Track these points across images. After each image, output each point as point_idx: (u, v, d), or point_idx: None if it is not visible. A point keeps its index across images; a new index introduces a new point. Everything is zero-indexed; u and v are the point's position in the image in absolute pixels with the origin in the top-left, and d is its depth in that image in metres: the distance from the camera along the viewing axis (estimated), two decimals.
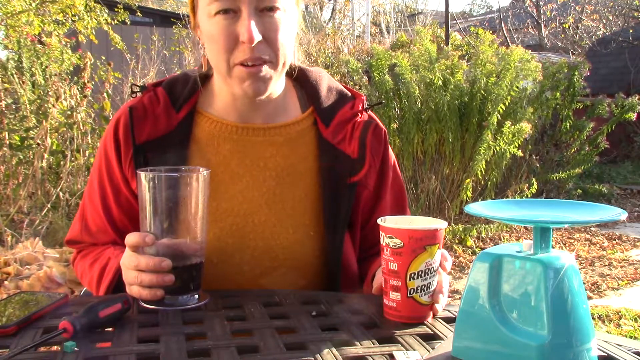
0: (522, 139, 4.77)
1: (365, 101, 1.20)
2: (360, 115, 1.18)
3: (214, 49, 1.06)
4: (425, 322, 0.93)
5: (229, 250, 1.10)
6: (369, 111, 1.21)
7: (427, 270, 0.91)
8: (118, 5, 7.12)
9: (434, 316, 0.95)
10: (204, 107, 1.18)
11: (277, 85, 1.14)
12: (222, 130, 1.15)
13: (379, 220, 0.94)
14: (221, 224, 1.10)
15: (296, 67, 1.20)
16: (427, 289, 0.93)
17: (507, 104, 4.90)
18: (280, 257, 1.11)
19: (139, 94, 1.17)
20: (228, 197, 1.12)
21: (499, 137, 4.73)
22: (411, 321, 0.92)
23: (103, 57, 5.98)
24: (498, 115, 4.79)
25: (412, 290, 0.91)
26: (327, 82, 1.23)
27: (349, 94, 1.22)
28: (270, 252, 1.11)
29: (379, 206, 1.20)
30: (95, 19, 6.26)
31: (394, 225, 0.92)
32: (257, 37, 1.01)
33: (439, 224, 0.92)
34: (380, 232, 0.93)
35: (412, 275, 0.91)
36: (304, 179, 1.15)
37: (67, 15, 6.12)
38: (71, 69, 4.98)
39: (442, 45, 6.59)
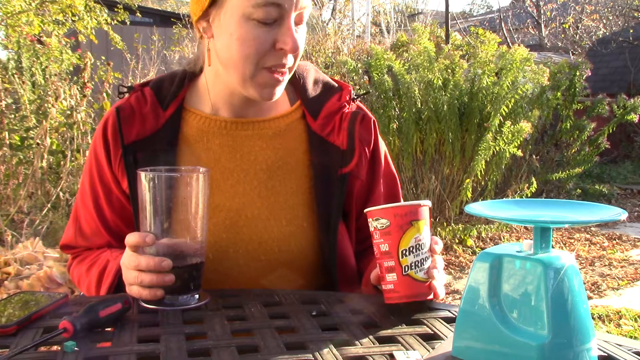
0: (521, 139, 4.76)
1: (352, 92, 1.21)
2: (347, 106, 1.19)
3: (241, 51, 1.04)
4: (425, 321, 0.93)
5: (223, 245, 1.11)
6: (357, 101, 1.22)
7: (417, 246, 0.94)
8: (118, 5, 7.12)
9: (436, 298, 0.96)
10: (191, 103, 1.19)
11: None
12: (211, 125, 1.16)
13: (364, 210, 0.97)
14: (214, 219, 1.11)
15: None
16: (421, 265, 0.94)
17: (510, 105, 4.89)
18: (275, 250, 1.11)
19: (126, 95, 1.18)
20: (220, 192, 1.13)
21: (498, 138, 4.72)
22: (412, 300, 0.94)
23: (103, 57, 5.98)
24: (500, 117, 4.78)
25: (406, 268, 0.93)
26: (313, 75, 1.23)
27: (336, 85, 1.22)
28: (264, 245, 1.11)
29: (373, 196, 1.21)
30: (95, 19, 6.26)
31: (377, 208, 0.95)
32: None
33: (421, 202, 0.96)
34: (368, 218, 0.96)
35: (404, 252, 0.93)
36: (295, 171, 1.15)
37: (67, 15, 6.12)
38: (71, 69, 4.98)
39: (441, 44, 6.58)
